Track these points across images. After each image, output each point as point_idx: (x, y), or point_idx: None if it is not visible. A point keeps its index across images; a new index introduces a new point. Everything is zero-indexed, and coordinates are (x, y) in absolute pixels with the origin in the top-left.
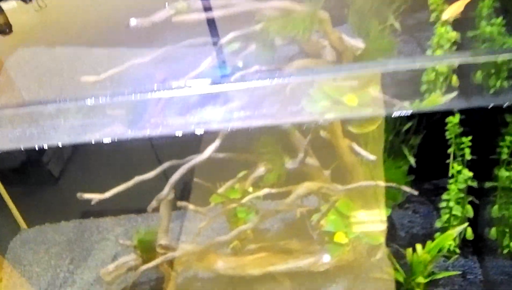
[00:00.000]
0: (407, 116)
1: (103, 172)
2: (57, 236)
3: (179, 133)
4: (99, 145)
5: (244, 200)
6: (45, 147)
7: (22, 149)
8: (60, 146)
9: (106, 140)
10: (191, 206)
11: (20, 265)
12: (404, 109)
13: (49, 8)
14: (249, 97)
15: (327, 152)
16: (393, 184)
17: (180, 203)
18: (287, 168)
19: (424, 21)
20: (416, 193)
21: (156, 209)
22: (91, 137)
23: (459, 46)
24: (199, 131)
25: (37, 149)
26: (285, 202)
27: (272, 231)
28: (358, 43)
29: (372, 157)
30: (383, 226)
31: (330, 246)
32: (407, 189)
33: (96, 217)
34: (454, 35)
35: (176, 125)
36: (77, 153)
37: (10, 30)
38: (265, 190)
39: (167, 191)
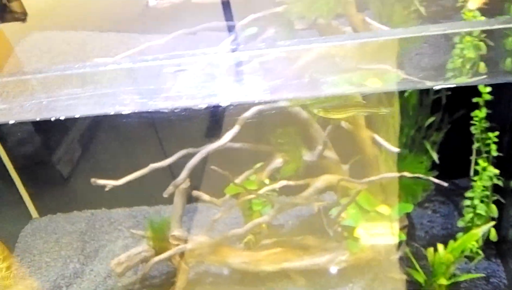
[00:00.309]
0: (430, 111)
1: (118, 163)
2: (68, 226)
3: (203, 106)
4: (114, 135)
5: (258, 193)
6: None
7: (38, 137)
8: (78, 116)
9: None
10: (205, 196)
11: (30, 255)
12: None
13: None
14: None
15: (347, 145)
16: (420, 175)
17: (195, 192)
18: (305, 160)
19: (450, 6)
20: (445, 184)
21: (170, 201)
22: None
23: (488, 32)
24: (224, 103)
25: (53, 137)
26: (303, 196)
27: (288, 226)
28: (382, 26)
29: (395, 149)
30: (404, 223)
31: (349, 241)
32: (435, 180)
33: (108, 208)
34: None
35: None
36: (92, 143)
37: (25, 18)
38: (282, 182)
39: (184, 176)
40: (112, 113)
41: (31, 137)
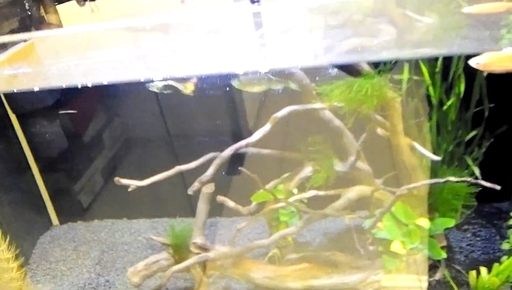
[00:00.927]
0: (470, 125)
1: (144, 172)
2: (88, 234)
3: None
4: (138, 144)
5: (288, 201)
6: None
7: (65, 145)
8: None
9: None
10: (230, 203)
11: (47, 262)
12: None
13: (101, 11)
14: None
15: (382, 153)
16: (467, 179)
17: (219, 198)
18: (336, 171)
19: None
20: (498, 187)
21: (192, 213)
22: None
23: None
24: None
25: (78, 146)
26: (333, 206)
27: (315, 244)
28: (425, 19)
29: (436, 157)
30: (442, 243)
31: (385, 257)
32: (486, 183)
33: (129, 218)
34: None
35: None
36: (117, 152)
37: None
38: (312, 192)
39: (211, 172)
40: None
41: (59, 143)
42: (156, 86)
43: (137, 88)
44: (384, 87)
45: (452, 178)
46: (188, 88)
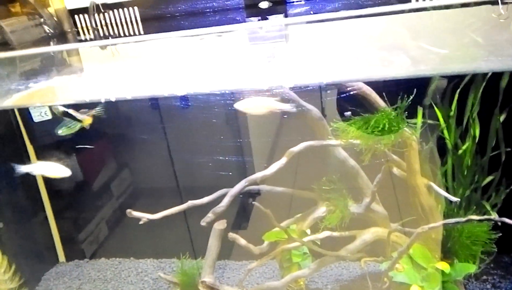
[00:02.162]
0: (488, 170)
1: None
2: (93, 273)
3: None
4: (151, 181)
5: (303, 241)
6: None
7: (78, 181)
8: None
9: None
10: (242, 241)
11: None
12: None
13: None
14: None
15: (398, 193)
16: (490, 217)
17: (231, 235)
18: (351, 212)
19: None
20: None
21: (201, 254)
22: None
23: None
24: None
25: (90, 182)
26: (348, 249)
27: (328, 287)
28: (440, 50)
29: (454, 198)
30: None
31: None
32: (508, 220)
33: (137, 257)
34: None
35: None
36: (127, 191)
37: None
38: (326, 233)
39: (226, 203)
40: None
41: (73, 178)
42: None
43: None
44: (402, 124)
45: (474, 217)
46: (86, 122)
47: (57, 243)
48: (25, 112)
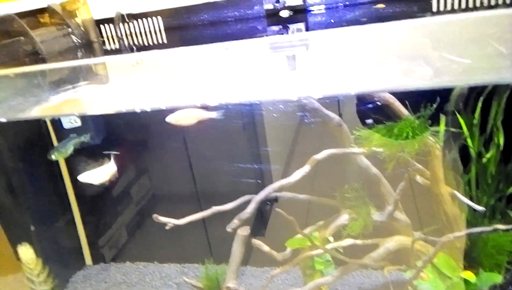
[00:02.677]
0: None
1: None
2: (119, 276)
3: None
4: (173, 187)
5: (326, 249)
6: None
7: (105, 185)
8: None
9: None
10: (265, 247)
11: None
12: None
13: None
14: None
15: (421, 202)
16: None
17: (255, 241)
18: (374, 220)
19: None
20: None
21: (225, 259)
22: None
23: None
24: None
25: (118, 187)
26: (371, 256)
27: None
28: (463, 60)
29: (480, 207)
30: None
31: None
32: None
33: (160, 262)
34: None
35: None
36: (150, 196)
37: None
38: (348, 241)
39: (251, 209)
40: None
41: (98, 187)
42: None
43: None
44: (425, 132)
45: (500, 226)
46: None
47: (84, 247)
48: (55, 120)
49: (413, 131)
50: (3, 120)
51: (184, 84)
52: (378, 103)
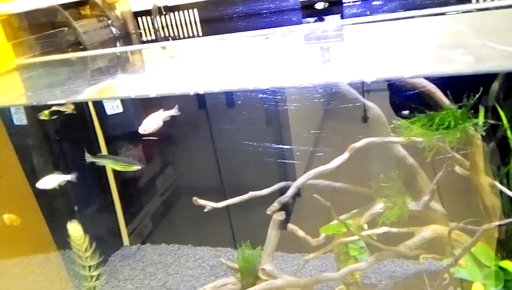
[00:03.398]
0: None
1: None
2: (155, 257)
3: None
4: (208, 173)
5: (362, 235)
6: None
7: (143, 169)
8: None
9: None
10: (300, 232)
11: (115, 280)
12: None
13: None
14: None
15: (460, 192)
16: None
17: (290, 226)
18: (409, 209)
19: None
20: None
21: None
22: None
23: None
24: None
25: (154, 171)
26: (407, 244)
27: (380, 287)
28: (507, 48)
29: None
30: None
31: None
32: None
33: (194, 245)
34: None
35: None
36: (185, 181)
37: None
38: (384, 229)
39: (291, 193)
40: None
41: (137, 171)
42: (43, 114)
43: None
44: (468, 122)
45: None
46: (69, 108)
47: (122, 228)
48: (99, 106)
49: (455, 121)
50: (61, 101)
51: (220, 70)
52: (413, 92)
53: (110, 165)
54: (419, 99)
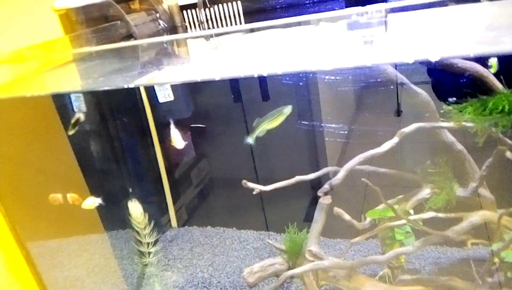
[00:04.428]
0: None
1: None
2: (202, 238)
3: None
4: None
5: (409, 219)
6: None
7: (192, 155)
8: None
9: None
10: (346, 216)
11: (165, 259)
12: None
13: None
14: None
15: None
16: None
17: (336, 209)
18: (457, 195)
19: None
20: None
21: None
22: None
23: None
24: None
25: (203, 157)
26: (455, 229)
27: (426, 269)
28: None
29: None
30: None
31: None
32: None
33: (238, 228)
34: None
35: None
36: (232, 167)
37: None
38: (430, 213)
39: (341, 176)
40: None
41: (188, 153)
42: (70, 129)
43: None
44: None
45: None
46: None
47: (171, 210)
48: (152, 94)
49: (509, 105)
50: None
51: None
52: (463, 78)
53: (268, 127)
54: (467, 85)
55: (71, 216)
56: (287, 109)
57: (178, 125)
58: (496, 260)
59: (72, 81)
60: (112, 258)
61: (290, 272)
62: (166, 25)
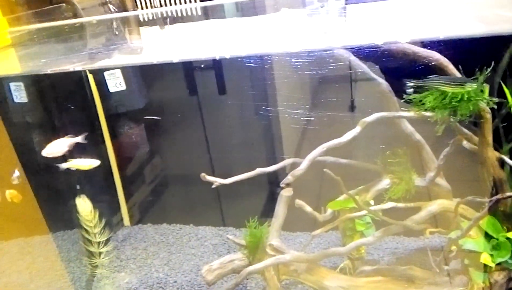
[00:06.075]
0: None
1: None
2: (157, 236)
3: None
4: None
5: (370, 210)
6: None
7: (144, 149)
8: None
9: None
10: (308, 208)
11: (117, 259)
12: None
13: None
14: None
15: (466, 166)
16: None
17: (298, 202)
18: (415, 185)
19: None
20: None
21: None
22: None
23: None
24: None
25: (155, 151)
26: (414, 219)
27: (384, 259)
28: None
29: None
30: None
31: (472, 270)
32: None
33: (196, 225)
34: None
35: None
36: (186, 161)
37: None
38: (390, 204)
39: (304, 166)
40: None
41: (140, 146)
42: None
43: None
44: (481, 95)
45: None
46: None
47: (123, 208)
48: (102, 82)
49: (468, 94)
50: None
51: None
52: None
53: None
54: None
55: (10, 216)
56: (471, 87)
57: (131, 117)
58: (453, 247)
59: (10, 65)
60: (58, 260)
61: (251, 267)
62: (116, 10)
